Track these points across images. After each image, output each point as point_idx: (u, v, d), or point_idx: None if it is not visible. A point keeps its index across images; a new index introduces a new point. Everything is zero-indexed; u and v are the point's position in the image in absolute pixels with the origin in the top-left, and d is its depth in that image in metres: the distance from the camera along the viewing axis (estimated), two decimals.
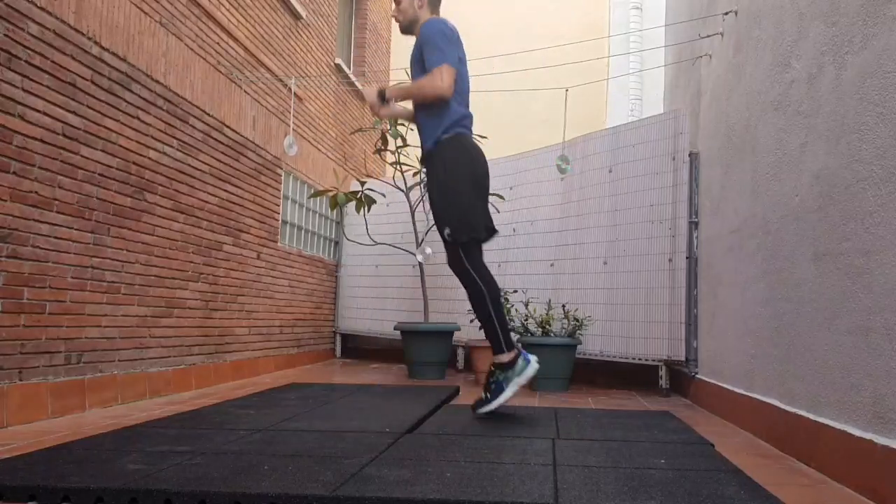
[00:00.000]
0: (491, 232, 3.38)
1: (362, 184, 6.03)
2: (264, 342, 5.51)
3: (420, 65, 3.32)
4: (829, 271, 2.40)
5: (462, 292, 6.22)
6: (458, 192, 3.26)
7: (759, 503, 1.83)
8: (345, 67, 7.39)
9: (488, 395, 3.19)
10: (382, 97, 3.36)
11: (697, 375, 4.37)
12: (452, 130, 3.30)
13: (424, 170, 3.52)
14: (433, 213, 3.35)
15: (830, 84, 2.45)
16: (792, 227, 2.77)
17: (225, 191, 4.78)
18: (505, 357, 3.16)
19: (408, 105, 3.54)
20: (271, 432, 2.69)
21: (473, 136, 3.48)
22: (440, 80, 3.17)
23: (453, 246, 3.23)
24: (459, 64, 3.33)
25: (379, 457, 2.27)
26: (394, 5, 3.47)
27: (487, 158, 6.43)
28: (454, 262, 3.26)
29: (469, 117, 3.43)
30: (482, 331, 3.29)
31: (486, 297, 3.18)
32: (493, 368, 3.20)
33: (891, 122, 2.02)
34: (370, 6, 8.54)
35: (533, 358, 3.20)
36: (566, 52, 7.37)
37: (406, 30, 3.47)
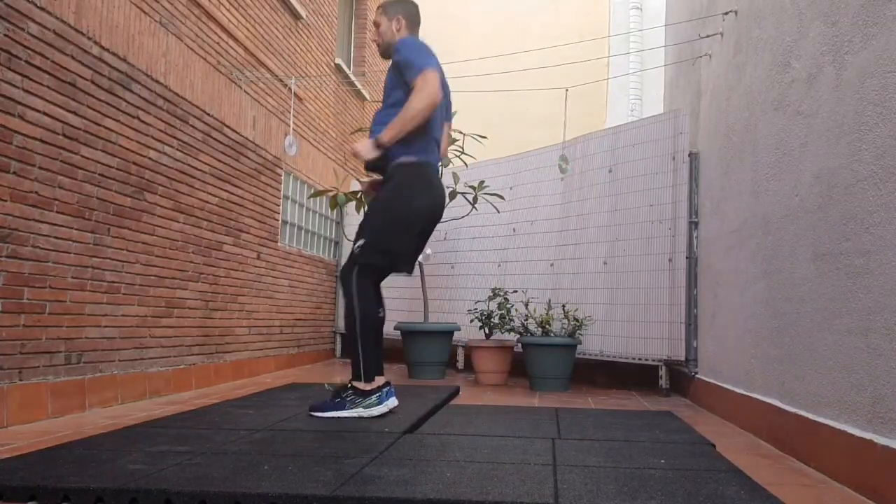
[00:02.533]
0: (398, 270, 3.27)
1: (362, 184, 6.03)
2: (264, 342, 5.51)
3: (394, 84, 3.21)
4: (829, 271, 2.40)
5: (461, 292, 6.25)
6: (396, 220, 3.15)
7: (759, 503, 1.83)
8: (345, 67, 7.39)
9: (329, 403, 3.14)
10: (379, 145, 3.12)
11: (697, 375, 4.37)
12: (415, 155, 3.16)
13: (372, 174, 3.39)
14: (362, 221, 3.22)
15: (830, 84, 2.45)
16: (792, 227, 2.77)
17: (225, 191, 4.78)
18: (362, 386, 3.10)
19: None
20: (271, 432, 2.69)
21: (435, 160, 3.30)
22: (427, 85, 3.03)
23: (354, 259, 3.14)
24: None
25: (379, 457, 2.27)
26: (374, 28, 3.42)
27: (487, 158, 6.41)
28: (345, 274, 3.16)
29: (438, 144, 3.32)
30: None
31: (356, 323, 3.09)
32: (349, 386, 3.14)
33: (891, 122, 2.02)
34: (370, 6, 8.54)
35: (392, 401, 3.14)
36: (566, 52, 7.37)
37: (385, 53, 3.40)
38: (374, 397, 3.10)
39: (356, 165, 7.95)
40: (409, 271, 3.33)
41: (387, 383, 3.16)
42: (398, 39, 3.31)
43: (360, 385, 3.10)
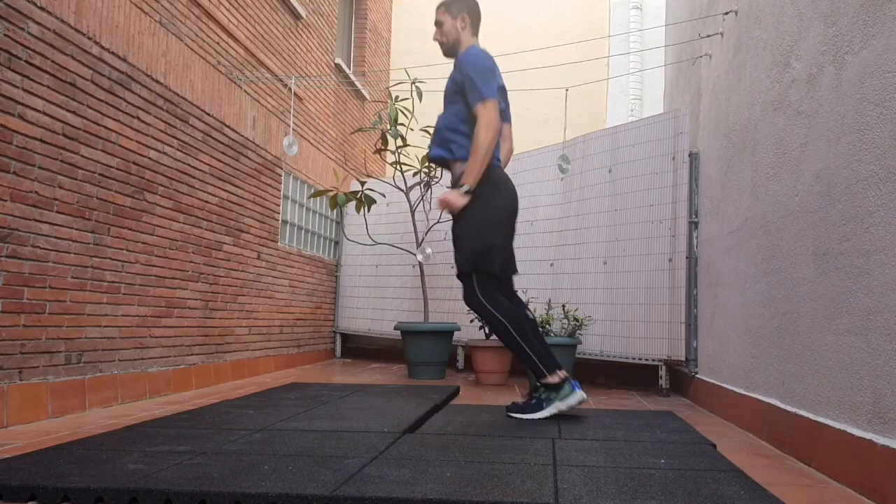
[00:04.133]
0: (510, 269, 3.33)
1: (362, 184, 6.03)
2: (264, 342, 5.51)
3: (454, 96, 3.26)
4: (829, 271, 2.40)
5: (461, 292, 6.24)
6: (486, 224, 3.20)
7: (759, 503, 1.83)
8: (345, 67, 7.39)
9: (526, 406, 3.18)
10: (468, 192, 3.18)
11: (697, 375, 4.37)
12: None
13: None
14: (457, 236, 3.25)
15: (830, 84, 2.45)
16: (792, 227, 2.77)
17: (225, 191, 4.78)
18: (549, 378, 3.12)
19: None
20: (271, 432, 2.69)
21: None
22: (487, 116, 3.10)
23: (467, 278, 3.19)
24: (499, 94, 3.26)
25: (379, 457, 2.27)
26: (436, 29, 3.38)
27: None
28: (469, 297, 3.20)
29: (498, 148, 3.37)
30: (517, 357, 3.22)
31: (508, 330, 3.12)
32: (539, 385, 3.19)
33: (891, 122, 2.02)
34: (370, 6, 8.54)
35: (580, 388, 3.17)
36: (566, 52, 7.37)
37: (449, 52, 3.39)
38: (566, 386, 3.12)
39: (356, 166, 7.96)
40: (515, 270, 3.37)
41: (567, 377, 3.18)
42: (466, 48, 3.31)
43: (549, 379, 3.12)
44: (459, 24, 3.32)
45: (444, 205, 3.18)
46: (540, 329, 4.60)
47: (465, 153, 3.26)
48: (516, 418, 3.16)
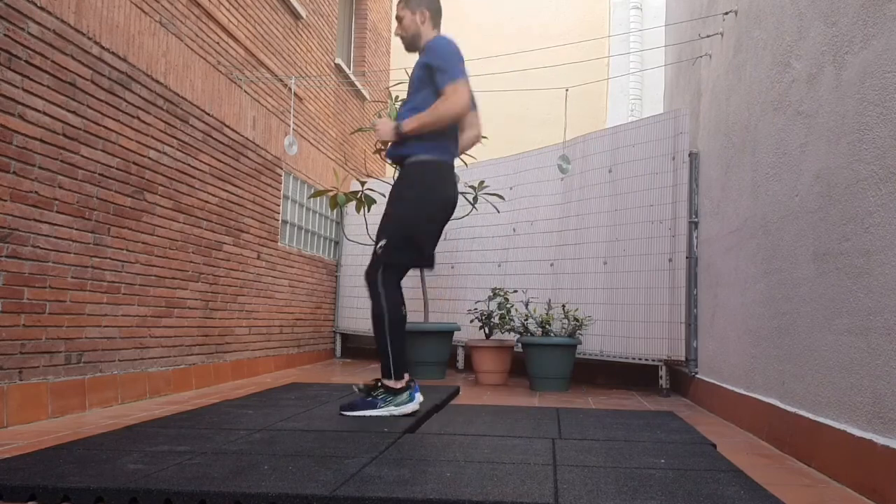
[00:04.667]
0: (420, 265, 3.34)
1: (362, 184, 6.03)
2: (264, 342, 5.51)
3: (422, 83, 3.25)
4: (829, 271, 2.40)
5: (461, 292, 6.25)
6: (415, 215, 3.21)
7: (759, 503, 1.83)
8: (345, 67, 7.39)
9: (360, 402, 3.17)
10: (399, 133, 3.21)
11: (697, 375, 4.37)
12: (434, 154, 3.23)
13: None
14: (381, 222, 3.27)
15: (830, 84, 2.45)
16: (792, 227, 2.77)
17: (225, 191, 4.78)
18: (392, 384, 3.15)
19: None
20: (271, 432, 2.69)
21: (451, 159, 3.36)
22: (458, 97, 3.10)
23: (378, 259, 3.19)
24: None
25: (379, 457, 2.27)
26: (396, 23, 3.43)
27: (487, 158, 6.43)
28: (370, 275, 3.21)
29: (456, 143, 3.38)
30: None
31: (384, 320, 3.14)
32: (378, 384, 3.19)
33: (891, 122, 2.02)
34: (370, 6, 8.54)
35: (418, 397, 3.20)
36: (566, 52, 7.37)
37: (410, 46, 3.42)
38: (405, 395, 3.15)
39: (356, 166, 7.96)
40: (431, 266, 3.38)
41: (411, 380, 3.20)
42: (430, 38, 3.33)
43: (391, 383, 3.14)
44: (419, 19, 3.37)
45: (374, 128, 3.26)
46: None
47: (418, 149, 3.23)
48: (351, 416, 3.12)
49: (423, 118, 3.17)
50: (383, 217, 3.28)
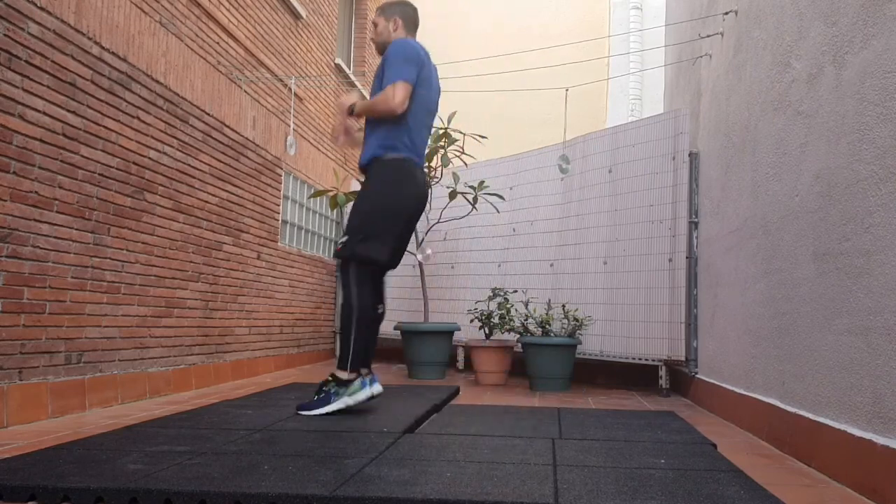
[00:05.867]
0: (387, 266, 3.36)
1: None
2: (264, 342, 5.51)
3: (379, 81, 3.36)
4: (829, 271, 2.40)
5: (461, 292, 6.25)
6: (383, 211, 3.25)
7: (759, 503, 1.83)
8: (345, 67, 7.39)
9: (315, 401, 3.20)
10: (352, 110, 3.40)
11: (697, 375, 4.37)
12: (396, 152, 3.29)
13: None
14: (349, 218, 3.32)
15: (830, 84, 2.45)
16: (792, 227, 2.77)
17: (225, 191, 4.78)
18: (343, 374, 3.18)
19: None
20: (271, 432, 2.69)
21: (420, 163, 3.43)
22: (392, 95, 3.19)
23: (346, 254, 3.21)
24: (420, 85, 3.33)
25: (379, 457, 2.27)
26: (371, 27, 3.56)
27: (487, 158, 6.42)
28: (343, 267, 3.24)
29: (423, 142, 3.43)
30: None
31: (353, 315, 3.17)
32: (329, 378, 3.22)
33: (891, 122, 2.02)
34: (370, 6, 8.54)
35: (376, 387, 3.21)
36: (566, 53, 7.37)
37: (380, 50, 3.53)
38: (356, 383, 3.18)
39: (356, 166, 7.95)
40: (395, 265, 3.40)
41: (369, 371, 3.24)
42: (392, 39, 3.45)
43: (342, 374, 3.18)
44: (391, 26, 3.49)
45: (339, 103, 3.43)
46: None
47: (378, 150, 3.31)
48: (304, 414, 3.14)
49: (366, 103, 3.35)
50: (351, 211, 3.33)
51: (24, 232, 2.97)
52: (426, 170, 5.85)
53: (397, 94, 3.20)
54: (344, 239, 3.23)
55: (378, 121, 3.32)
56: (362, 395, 3.17)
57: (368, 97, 3.50)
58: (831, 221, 2.40)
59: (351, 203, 6.17)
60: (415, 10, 3.57)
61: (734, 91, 3.70)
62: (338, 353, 3.28)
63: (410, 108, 3.30)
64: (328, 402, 3.17)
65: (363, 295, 3.19)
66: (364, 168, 3.40)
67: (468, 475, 2.03)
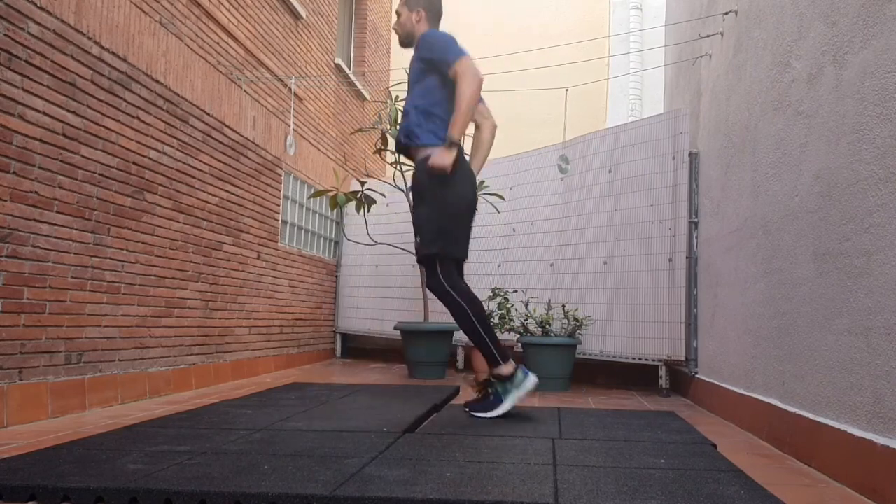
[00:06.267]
0: (464, 259, 3.35)
1: (362, 184, 6.03)
2: (264, 342, 5.51)
3: (419, 75, 3.29)
4: (829, 271, 2.40)
5: None
6: (453, 209, 3.23)
7: (759, 503, 1.83)
8: (345, 67, 7.39)
9: (485, 404, 3.20)
10: (453, 144, 3.15)
11: (697, 375, 4.37)
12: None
13: (409, 164, 3.44)
14: (418, 225, 3.26)
15: (830, 84, 2.45)
16: (792, 227, 2.77)
17: (225, 191, 4.78)
18: (504, 369, 3.15)
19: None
20: (271, 432, 2.69)
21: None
22: (469, 67, 3.12)
23: (430, 262, 3.20)
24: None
25: (379, 457, 2.27)
26: (394, 17, 3.52)
27: (488, 158, 6.45)
28: (432, 283, 3.22)
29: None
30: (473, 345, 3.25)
31: (468, 315, 3.16)
32: (491, 379, 3.21)
33: (891, 122, 2.02)
34: (370, 6, 8.54)
35: (531, 376, 3.19)
36: (566, 52, 7.37)
37: (405, 42, 3.50)
38: (518, 374, 3.14)
39: (356, 166, 7.95)
40: (465, 256, 3.37)
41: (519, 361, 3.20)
42: (423, 32, 3.39)
43: (501, 370, 3.14)
44: (415, 17, 3.45)
45: (436, 166, 3.12)
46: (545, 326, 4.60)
47: (432, 139, 3.24)
48: (478, 417, 3.15)
49: (459, 115, 3.12)
50: (418, 218, 3.27)
51: (24, 232, 2.97)
52: None
53: (471, 66, 3.13)
54: (428, 242, 3.17)
55: (431, 107, 3.24)
56: (529, 384, 3.12)
57: (408, 90, 3.37)
58: (831, 221, 2.40)
59: (351, 203, 6.17)
60: (440, 0, 3.51)
61: (734, 91, 3.70)
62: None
63: (449, 102, 3.23)
64: (500, 402, 3.14)
65: (463, 293, 3.17)
66: (406, 152, 3.31)
67: (468, 475, 2.03)
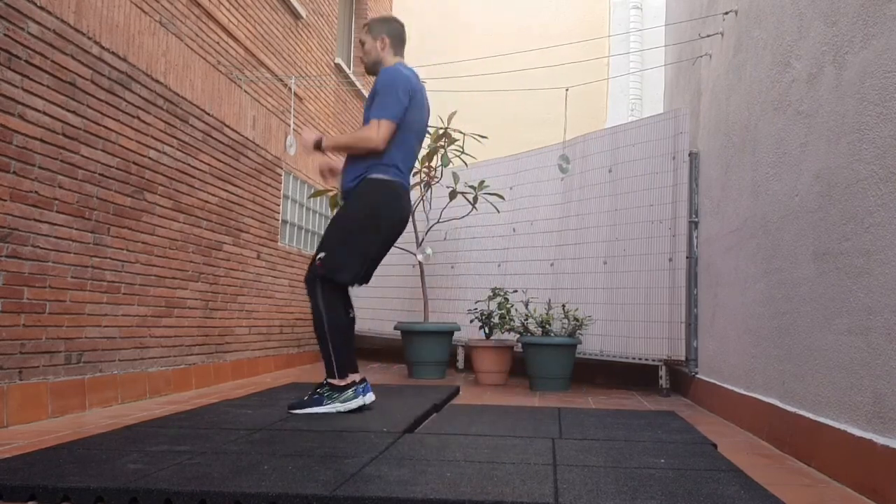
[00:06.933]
0: (360, 281, 3.36)
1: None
2: (264, 342, 5.51)
3: (369, 108, 3.34)
4: (829, 271, 2.40)
5: (461, 292, 6.24)
6: (362, 231, 3.24)
7: (759, 503, 1.83)
8: (345, 67, 7.39)
9: (307, 400, 3.24)
10: (318, 146, 3.37)
11: (697, 375, 4.37)
12: (380, 172, 3.26)
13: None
14: (325, 234, 3.31)
15: (830, 84, 2.45)
16: (792, 227, 2.77)
17: (225, 191, 4.78)
18: (336, 381, 3.22)
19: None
20: (271, 432, 2.69)
21: (406, 182, 3.41)
22: (375, 133, 3.20)
23: (317, 271, 3.21)
24: (411, 109, 3.30)
25: (379, 457, 2.27)
26: (359, 45, 3.53)
27: (487, 158, 6.41)
28: (310, 282, 3.24)
29: (411, 166, 3.42)
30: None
31: (323, 323, 3.19)
32: (324, 383, 3.25)
33: (891, 122, 2.02)
34: (370, 6, 8.54)
35: (368, 396, 3.25)
36: (566, 52, 7.37)
37: (370, 70, 3.52)
38: (349, 392, 3.23)
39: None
40: (366, 281, 3.43)
41: (362, 380, 3.28)
42: (385, 66, 3.41)
43: (335, 381, 3.22)
44: (379, 45, 3.48)
45: (301, 137, 3.39)
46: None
47: (374, 170, 3.27)
48: (295, 413, 3.18)
49: (339, 139, 3.38)
50: (327, 229, 3.32)
51: (24, 232, 2.97)
52: (426, 169, 5.86)
53: (381, 133, 3.20)
54: (321, 256, 3.21)
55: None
56: (353, 404, 3.21)
57: (363, 120, 3.42)
58: (831, 221, 2.40)
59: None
60: (402, 26, 3.55)
61: (734, 91, 3.70)
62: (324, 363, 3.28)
63: (401, 134, 3.28)
64: (319, 404, 3.21)
65: (331, 303, 3.21)
66: (348, 193, 3.35)
67: (468, 475, 2.03)
